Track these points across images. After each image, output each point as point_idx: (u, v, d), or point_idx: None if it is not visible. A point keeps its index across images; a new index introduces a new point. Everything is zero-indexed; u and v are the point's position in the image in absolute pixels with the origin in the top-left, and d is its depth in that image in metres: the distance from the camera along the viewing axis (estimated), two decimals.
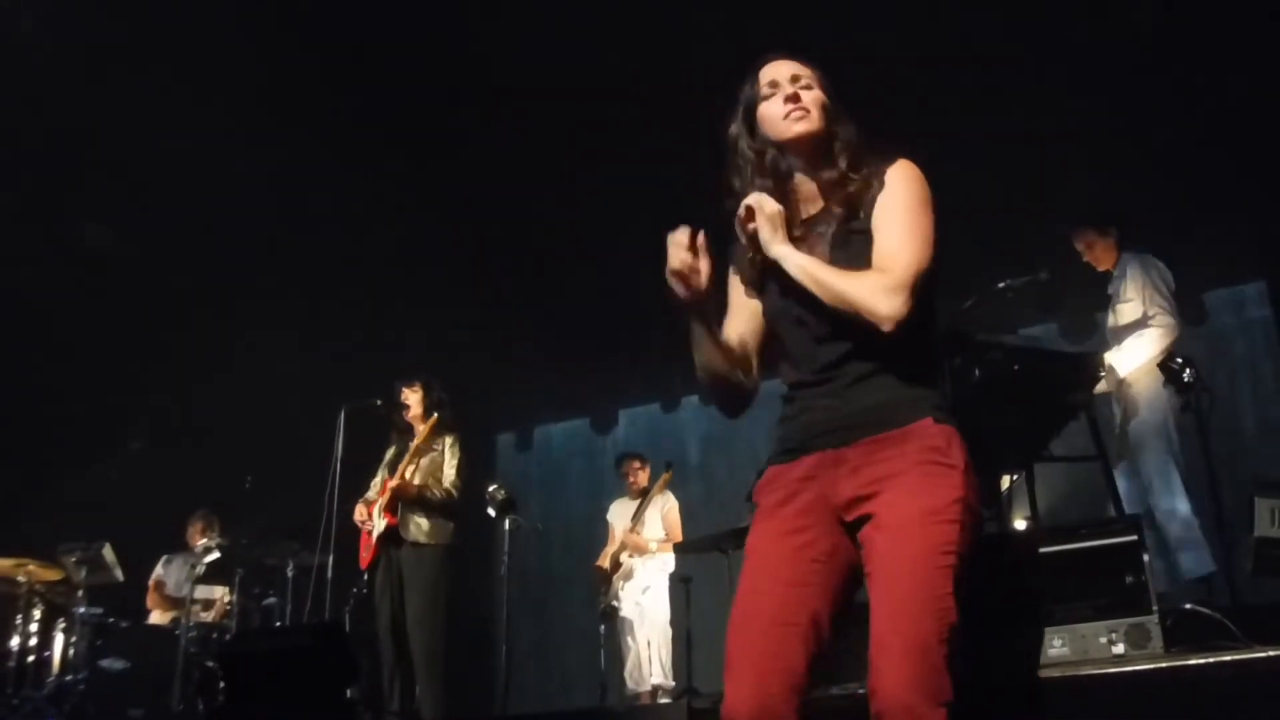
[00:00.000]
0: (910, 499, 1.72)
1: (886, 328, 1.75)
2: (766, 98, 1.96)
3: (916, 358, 1.84)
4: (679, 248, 1.83)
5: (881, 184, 1.89)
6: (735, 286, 2.06)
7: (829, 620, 1.78)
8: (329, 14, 5.14)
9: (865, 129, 1.97)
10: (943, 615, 1.63)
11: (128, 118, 5.48)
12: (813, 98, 1.94)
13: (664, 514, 6.68)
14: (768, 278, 1.98)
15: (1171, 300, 4.79)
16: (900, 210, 1.85)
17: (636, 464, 6.89)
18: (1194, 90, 5.45)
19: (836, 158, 1.92)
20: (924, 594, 1.64)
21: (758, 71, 2.00)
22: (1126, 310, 4.86)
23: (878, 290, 1.77)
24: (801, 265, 1.85)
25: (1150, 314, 4.75)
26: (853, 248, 1.87)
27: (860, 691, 1.62)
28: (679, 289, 1.84)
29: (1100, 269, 5.09)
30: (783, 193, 1.95)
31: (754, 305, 2.03)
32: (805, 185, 1.96)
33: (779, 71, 1.97)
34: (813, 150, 1.93)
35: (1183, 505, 4.52)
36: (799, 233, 1.93)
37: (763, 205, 1.89)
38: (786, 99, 1.93)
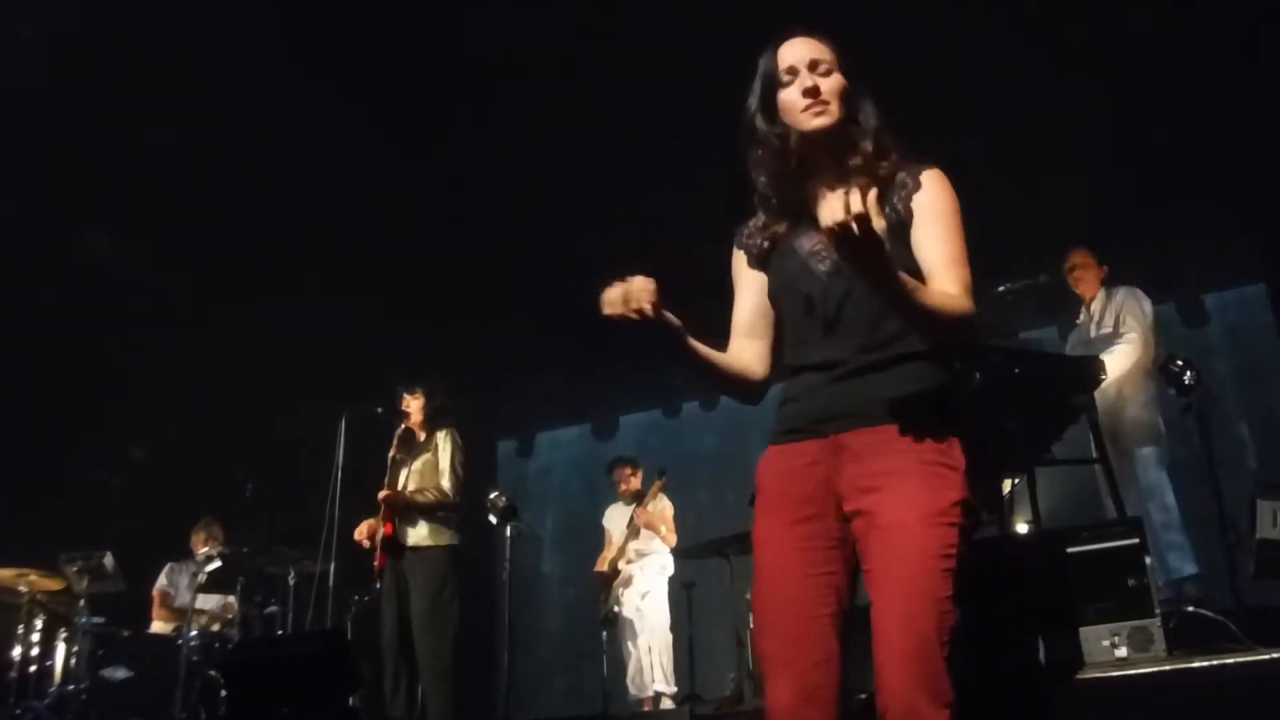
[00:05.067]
0: (912, 500, 1.71)
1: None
2: (785, 84, 1.90)
3: (927, 355, 1.83)
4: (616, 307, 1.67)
5: (917, 185, 1.86)
6: (740, 262, 2.04)
7: (849, 603, 1.80)
8: (336, 16, 5.14)
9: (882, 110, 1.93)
10: (944, 617, 1.64)
11: (129, 122, 5.50)
12: (831, 86, 1.88)
13: (658, 514, 6.64)
14: (775, 255, 1.97)
15: (1146, 324, 5.02)
16: (950, 228, 1.84)
17: (628, 470, 6.91)
18: (1194, 92, 5.46)
19: (859, 143, 1.88)
20: (926, 596, 1.64)
21: (777, 48, 1.93)
22: (1107, 328, 5.08)
23: (957, 301, 1.76)
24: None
25: (1122, 332, 4.98)
26: None
27: (861, 697, 1.62)
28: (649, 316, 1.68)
29: (1078, 290, 5.28)
30: (803, 178, 1.92)
31: (762, 279, 2.01)
32: (826, 172, 1.90)
33: (798, 55, 1.90)
34: (832, 139, 1.89)
35: (1171, 506, 4.66)
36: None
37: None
38: (805, 91, 1.87)
